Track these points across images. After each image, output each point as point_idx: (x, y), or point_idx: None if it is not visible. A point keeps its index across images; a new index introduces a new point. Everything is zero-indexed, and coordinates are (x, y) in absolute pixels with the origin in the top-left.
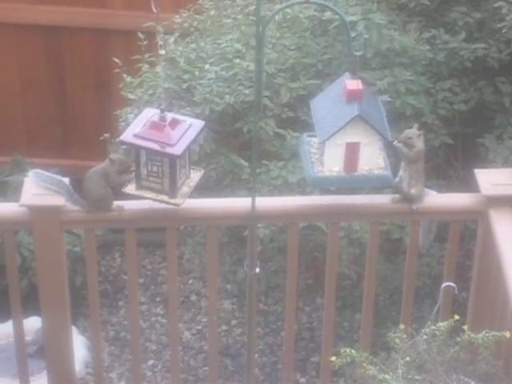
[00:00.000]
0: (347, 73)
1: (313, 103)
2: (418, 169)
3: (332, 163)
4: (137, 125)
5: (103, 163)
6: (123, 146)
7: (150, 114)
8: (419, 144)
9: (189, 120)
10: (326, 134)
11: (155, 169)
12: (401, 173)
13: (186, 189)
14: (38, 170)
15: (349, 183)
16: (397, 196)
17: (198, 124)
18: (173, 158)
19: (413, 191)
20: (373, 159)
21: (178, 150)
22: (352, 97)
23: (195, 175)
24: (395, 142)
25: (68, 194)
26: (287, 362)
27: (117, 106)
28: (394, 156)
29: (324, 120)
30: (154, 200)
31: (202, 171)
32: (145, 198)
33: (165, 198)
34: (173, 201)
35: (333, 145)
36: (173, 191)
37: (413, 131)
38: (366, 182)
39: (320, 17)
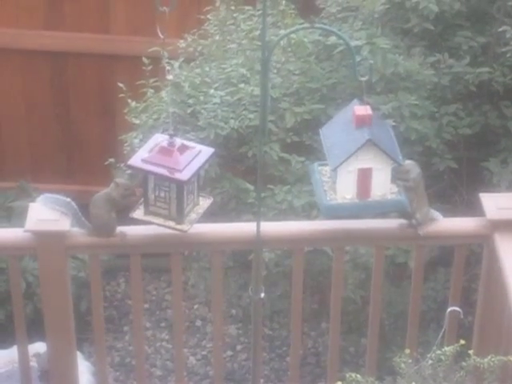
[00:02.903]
0: (356, 99)
1: (322, 131)
2: (418, 192)
3: (344, 190)
4: (145, 150)
5: (108, 188)
6: (128, 171)
7: (159, 139)
8: (413, 173)
9: (198, 146)
10: (337, 161)
11: (162, 194)
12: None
13: (193, 215)
14: (46, 194)
15: (363, 209)
16: (404, 222)
17: (208, 151)
18: (180, 184)
19: (417, 215)
20: (385, 184)
21: (185, 175)
22: (361, 122)
23: (204, 202)
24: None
25: (75, 216)
26: None
27: (122, 131)
28: None
29: (334, 147)
30: (161, 226)
31: (212, 199)
32: (152, 224)
33: (172, 223)
34: (179, 227)
35: (345, 172)
36: (180, 217)
37: (405, 167)
38: (380, 208)
39: (324, 42)
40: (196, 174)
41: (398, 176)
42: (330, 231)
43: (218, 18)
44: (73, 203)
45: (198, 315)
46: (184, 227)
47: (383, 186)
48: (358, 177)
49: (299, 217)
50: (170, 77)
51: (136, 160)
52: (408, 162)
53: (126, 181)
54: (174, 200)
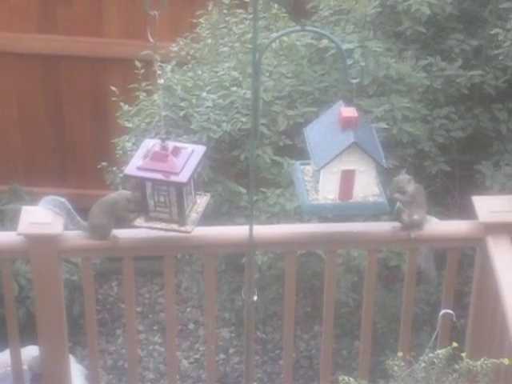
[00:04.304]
0: (341, 101)
1: (307, 131)
2: (413, 205)
3: (327, 191)
4: (139, 157)
5: (117, 193)
6: (121, 175)
7: (150, 144)
8: (411, 188)
9: (190, 146)
10: (321, 162)
11: (162, 199)
12: (399, 204)
13: (194, 215)
14: (45, 197)
15: (344, 211)
16: (397, 226)
17: (200, 149)
18: (179, 186)
19: (415, 217)
20: (368, 186)
21: (183, 177)
22: (347, 124)
23: (202, 200)
24: (390, 195)
25: (69, 215)
26: None
27: (114, 135)
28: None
29: (319, 148)
30: (165, 230)
31: (208, 195)
32: (155, 229)
33: (175, 226)
34: (183, 228)
35: (328, 172)
36: (182, 219)
37: (401, 178)
38: (362, 210)
39: (317, 45)
40: (194, 174)
41: (395, 189)
42: (323, 234)
43: (210, 21)
44: (67, 203)
45: (190, 318)
46: (188, 228)
47: (365, 188)
48: (341, 178)
49: (292, 220)
50: (160, 81)
51: (131, 168)
52: (406, 178)
53: (138, 196)
54: (174, 203)
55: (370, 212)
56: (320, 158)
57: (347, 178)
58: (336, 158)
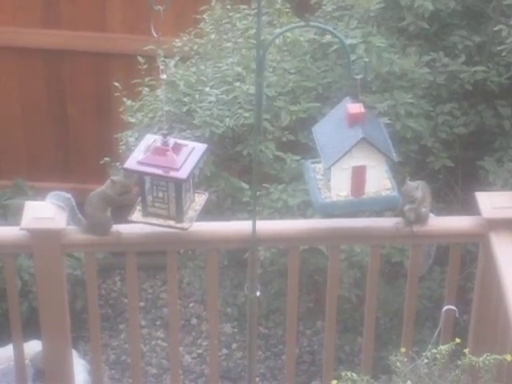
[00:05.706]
0: (348, 97)
1: (315, 129)
2: (420, 207)
3: (339, 188)
4: (139, 151)
5: (104, 186)
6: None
7: (151, 140)
8: (419, 194)
9: (191, 144)
10: (331, 160)
11: (161, 194)
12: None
13: (192, 213)
14: (51, 193)
15: (357, 207)
16: (400, 222)
17: (201, 147)
18: (178, 182)
19: (423, 210)
20: (379, 181)
21: (183, 173)
22: (354, 120)
23: (200, 199)
24: (406, 208)
25: (71, 212)
26: None
27: (117, 130)
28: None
29: (328, 145)
30: (162, 226)
31: (207, 195)
32: (152, 225)
33: (172, 223)
34: (180, 225)
35: (339, 169)
36: (179, 216)
37: (409, 188)
38: (375, 205)
39: (320, 40)
40: (194, 171)
41: (408, 200)
42: (326, 230)
43: (213, 17)
44: (72, 199)
45: (193, 313)
46: (184, 225)
47: (377, 183)
48: (352, 174)
49: (294, 215)
50: (163, 76)
51: (131, 163)
52: (414, 186)
53: (122, 178)
54: (172, 199)
55: (383, 206)
56: (330, 155)
57: (358, 174)
58: (346, 154)
